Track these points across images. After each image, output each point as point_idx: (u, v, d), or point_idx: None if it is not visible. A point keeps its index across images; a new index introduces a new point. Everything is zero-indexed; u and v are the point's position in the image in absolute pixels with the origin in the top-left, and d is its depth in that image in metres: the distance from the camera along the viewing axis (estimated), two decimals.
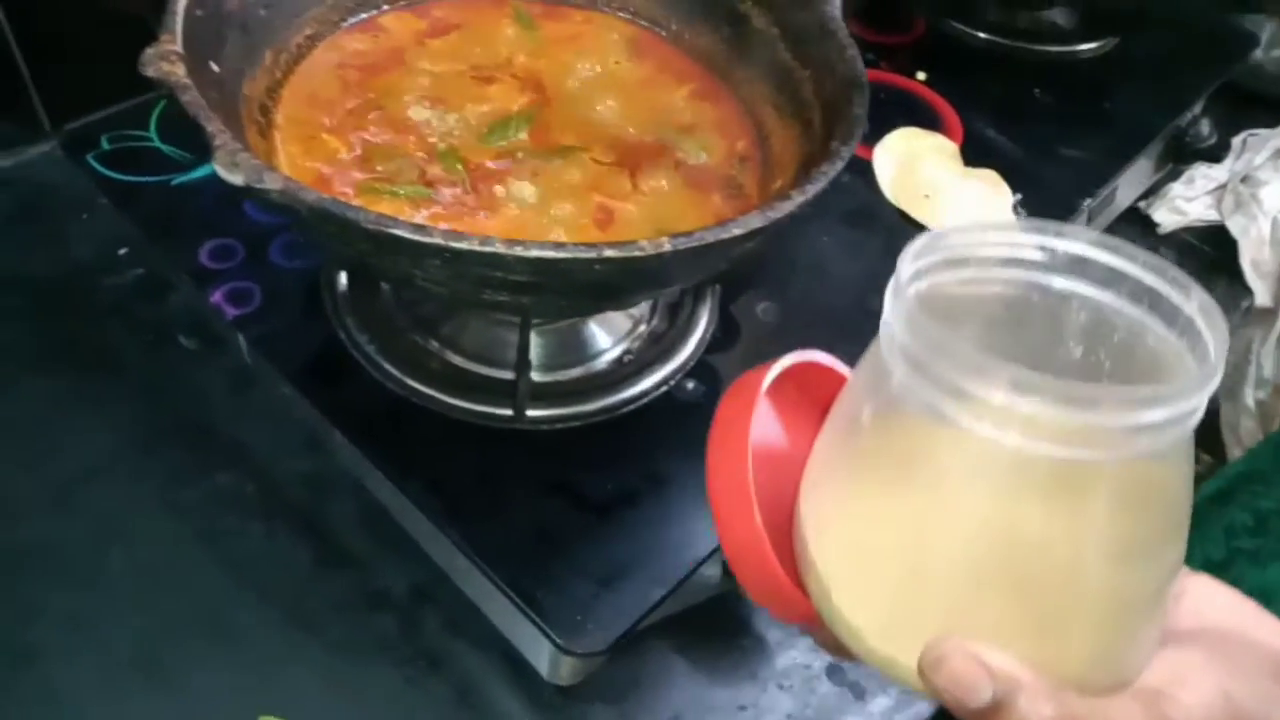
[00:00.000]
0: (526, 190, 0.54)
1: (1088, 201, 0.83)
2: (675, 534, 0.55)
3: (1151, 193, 0.99)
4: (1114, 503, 0.29)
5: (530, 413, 0.58)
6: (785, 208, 0.45)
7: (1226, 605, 0.34)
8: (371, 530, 0.59)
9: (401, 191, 0.52)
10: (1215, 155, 0.96)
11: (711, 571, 0.55)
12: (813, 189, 0.47)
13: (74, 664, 0.52)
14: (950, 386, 0.28)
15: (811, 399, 0.39)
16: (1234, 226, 0.95)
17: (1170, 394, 0.27)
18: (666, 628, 0.55)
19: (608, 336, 0.63)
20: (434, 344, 0.62)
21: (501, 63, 0.62)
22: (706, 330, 0.66)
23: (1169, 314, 0.31)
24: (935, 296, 0.32)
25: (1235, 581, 0.34)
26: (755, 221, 0.44)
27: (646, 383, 0.62)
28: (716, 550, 0.54)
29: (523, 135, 0.58)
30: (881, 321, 0.31)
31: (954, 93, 0.88)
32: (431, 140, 0.56)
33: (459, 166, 0.55)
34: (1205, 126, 0.96)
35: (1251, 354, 1.00)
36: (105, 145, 0.72)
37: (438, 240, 0.40)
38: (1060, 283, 0.33)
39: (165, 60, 0.44)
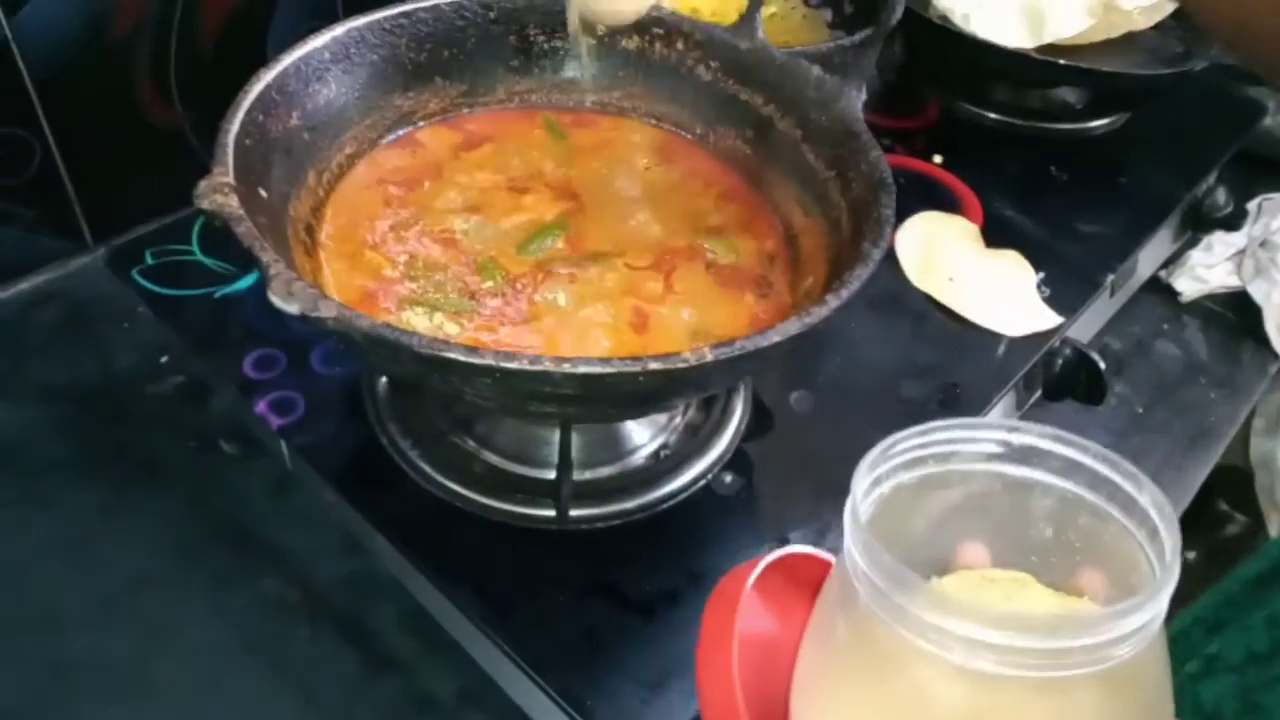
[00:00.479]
0: (564, 297, 0.56)
1: (1110, 277, 0.84)
2: None
3: (1171, 261, 1.00)
4: (1091, 701, 0.30)
5: (572, 512, 0.59)
6: (821, 313, 0.46)
7: None
8: (415, 633, 0.59)
9: (445, 305, 0.53)
10: (1233, 223, 0.98)
11: None
12: (847, 292, 0.48)
13: None
14: (915, 620, 0.29)
15: (799, 583, 0.40)
16: (1256, 292, 0.96)
17: (1133, 608, 0.28)
18: None
19: (644, 432, 0.64)
20: (472, 444, 0.62)
21: (535, 173, 0.64)
22: (741, 421, 0.66)
23: (1126, 504, 0.32)
24: (899, 495, 0.34)
25: None
26: (793, 328, 0.45)
27: (685, 478, 0.62)
28: None
29: (558, 244, 0.59)
30: (844, 543, 0.32)
31: (972, 174, 0.90)
32: (471, 252, 0.58)
33: (499, 277, 0.56)
34: (1221, 195, 0.97)
35: None
36: (149, 260, 0.74)
37: (489, 361, 0.41)
38: (1021, 471, 0.34)
39: (219, 193, 0.46)
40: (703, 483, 0.63)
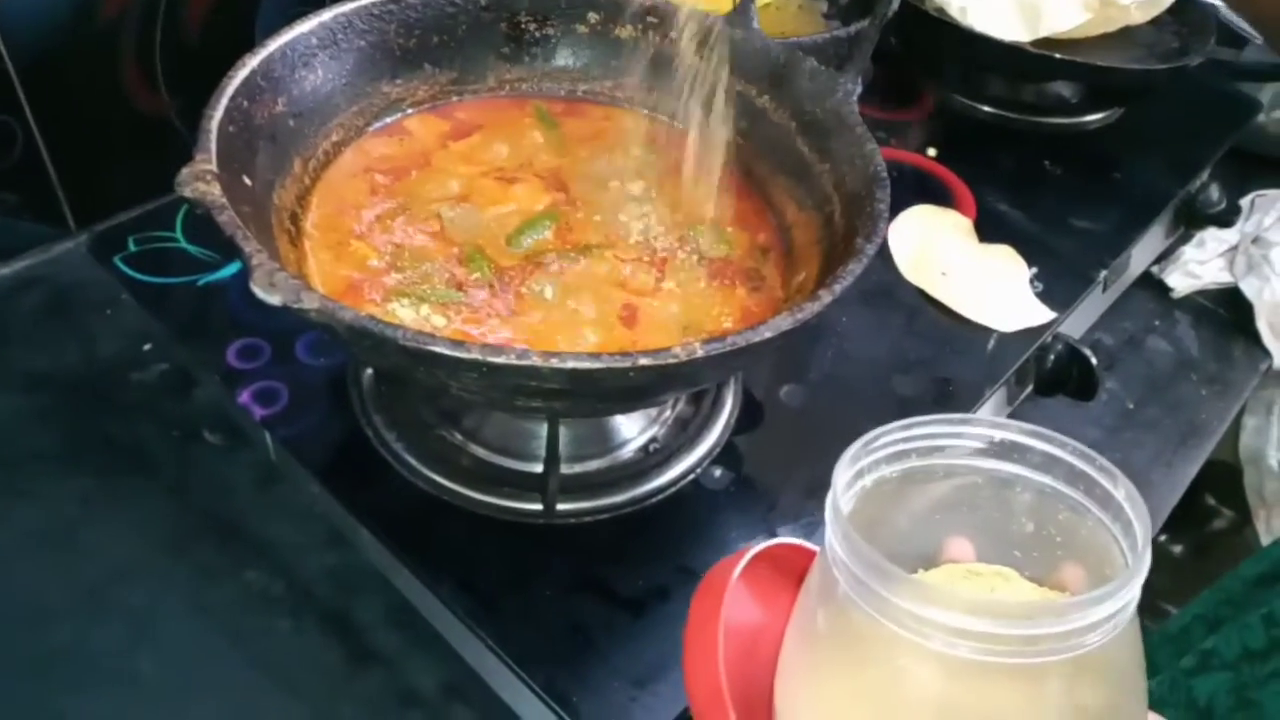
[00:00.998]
0: (553, 290, 0.55)
1: (1103, 273, 0.83)
2: None
3: (1164, 257, 1.00)
4: (1068, 687, 0.30)
5: (559, 506, 0.58)
6: (813, 308, 0.46)
7: None
8: (400, 626, 0.59)
9: (432, 296, 0.53)
10: (1225, 220, 0.97)
11: None
12: (840, 287, 0.47)
13: None
14: (894, 610, 0.30)
15: (785, 574, 0.40)
16: (1248, 289, 0.96)
17: (1104, 596, 0.29)
18: None
19: (633, 425, 0.63)
20: (459, 437, 0.62)
21: (524, 162, 0.63)
22: (731, 415, 0.66)
23: (1102, 498, 0.33)
24: (880, 489, 0.35)
25: (1277, 672, 0.34)
26: (785, 324, 0.45)
27: (673, 471, 0.62)
28: None
29: (548, 235, 0.58)
30: (825, 534, 0.32)
31: (965, 168, 0.89)
32: (458, 243, 0.57)
33: (486, 268, 0.56)
34: (1214, 191, 0.97)
35: (1273, 416, 1.00)
36: (132, 247, 0.73)
37: (475, 355, 0.40)
38: (1001, 466, 0.35)
39: (201, 180, 0.45)
40: (692, 477, 0.62)
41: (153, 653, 0.57)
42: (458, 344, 0.41)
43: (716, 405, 0.66)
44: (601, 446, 0.62)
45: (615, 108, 0.68)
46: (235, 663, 0.57)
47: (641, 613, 0.55)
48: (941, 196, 0.87)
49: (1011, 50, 0.88)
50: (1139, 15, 0.92)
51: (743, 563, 0.38)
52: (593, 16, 0.67)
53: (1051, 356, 0.78)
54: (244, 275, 0.41)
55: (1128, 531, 0.32)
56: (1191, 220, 0.99)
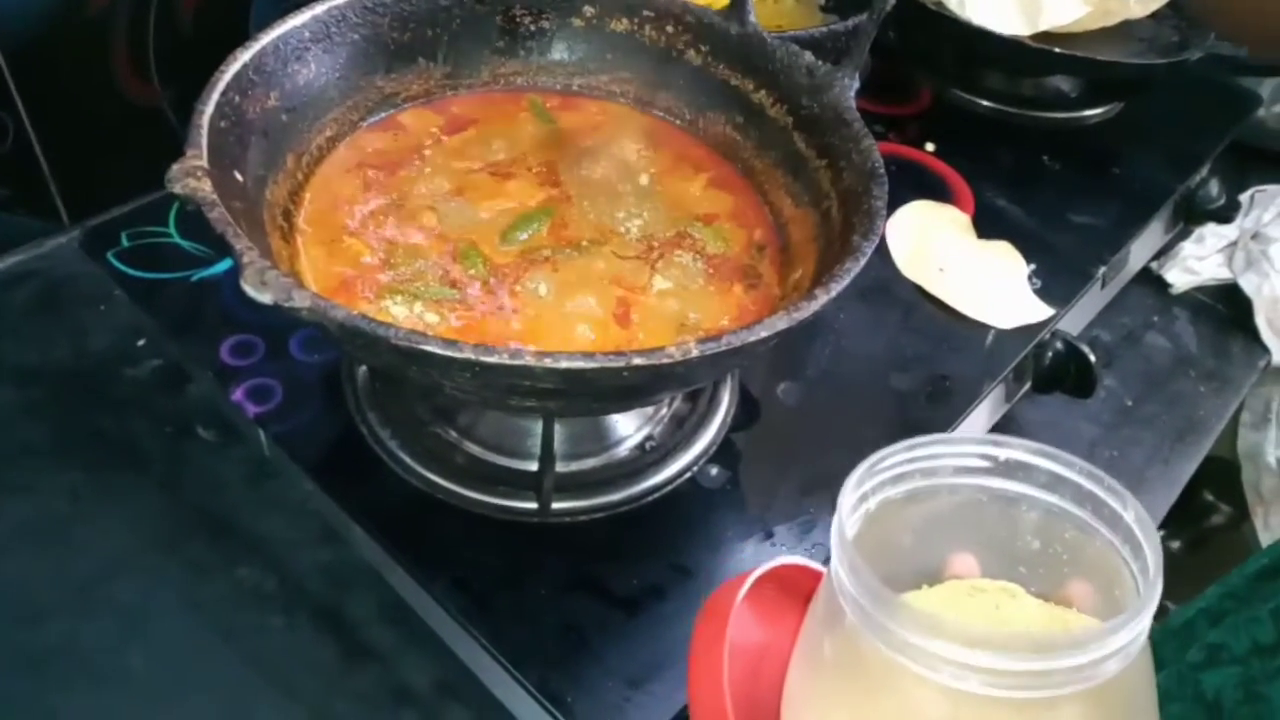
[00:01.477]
0: (547, 287, 0.55)
1: (1102, 269, 0.83)
2: None
3: (1163, 253, 0.99)
4: (1082, 718, 0.30)
5: (555, 505, 0.58)
6: (810, 308, 0.45)
7: None
8: (394, 623, 0.59)
9: (426, 294, 0.52)
10: (1225, 215, 0.97)
11: None
12: (837, 287, 0.47)
13: None
14: (901, 642, 0.29)
15: (790, 593, 0.40)
16: (1247, 285, 0.95)
17: (1117, 627, 0.28)
18: None
19: (629, 423, 0.63)
20: (453, 434, 0.61)
21: (519, 157, 0.63)
22: (728, 412, 0.65)
23: (1111, 519, 0.33)
24: (884, 510, 0.34)
25: None
26: (781, 323, 0.44)
27: (670, 470, 0.61)
28: None
29: (542, 231, 0.58)
30: (831, 562, 0.32)
31: (964, 163, 0.89)
32: (452, 239, 0.57)
33: (480, 265, 0.55)
34: (1214, 187, 0.97)
35: (1271, 413, 0.99)
36: (125, 242, 0.73)
37: (468, 355, 0.40)
38: (1007, 485, 0.35)
39: (191, 176, 0.44)
40: (688, 475, 0.62)
41: (144, 649, 0.56)
42: (450, 343, 0.40)
43: (713, 402, 0.65)
44: (597, 444, 0.62)
45: (611, 102, 0.67)
46: (228, 660, 0.57)
47: (636, 612, 0.55)
48: (939, 192, 0.86)
49: (1010, 44, 0.87)
50: (1138, 9, 0.92)
51: (746, 585, 0.38)
52: (588, 10, 0.66)
53: (1050, 353, 0.77)
54: (236, 272, 0.41)
55: (1138, 554, 0.32)
56: (1191, 216, 0.99)
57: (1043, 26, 0.87)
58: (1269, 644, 0.54)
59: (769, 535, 0.60)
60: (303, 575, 0.60)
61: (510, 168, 0.62)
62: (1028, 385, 0.80)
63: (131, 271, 0.71)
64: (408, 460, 0.59)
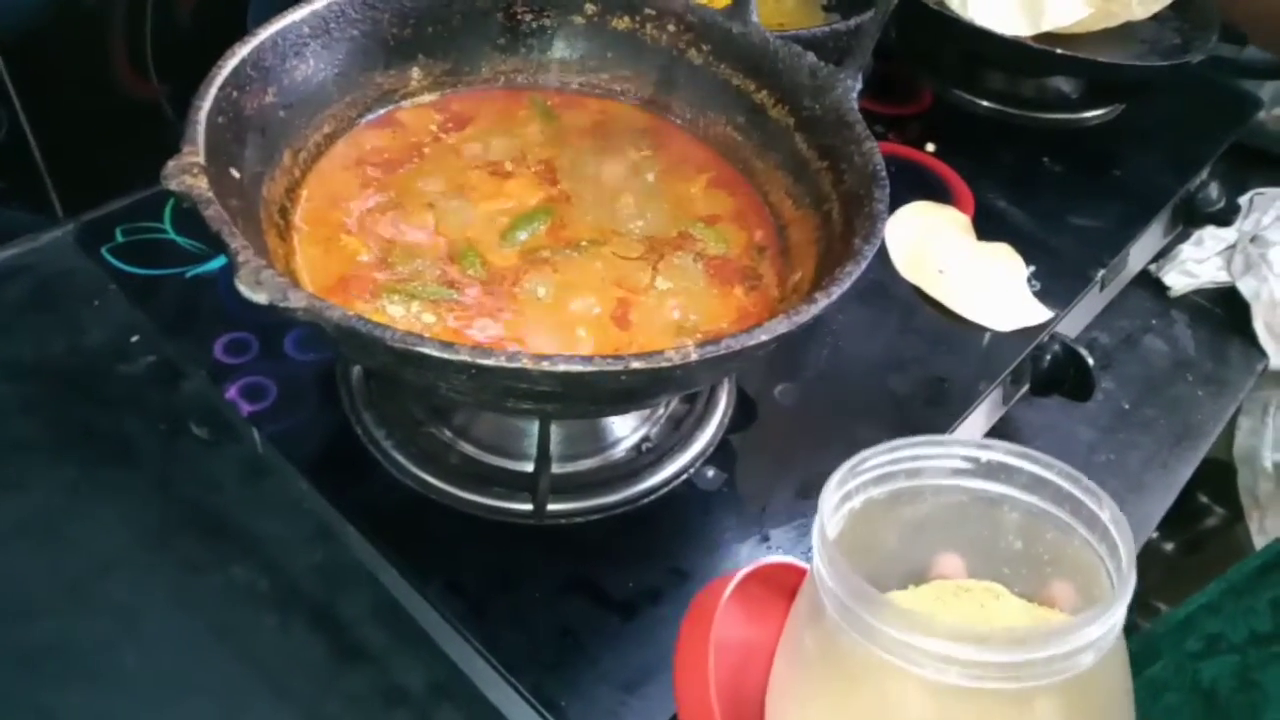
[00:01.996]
0: (546, 288, 0.54)
1: (1101, 272, 0.83)
2: None
3: (1162, 256, 0.99)
4: (1058, 710, 0.31)
5: (550, 506, 0.57)
6: (811, 311, 0.45)
7: None
8: (387, 624, 0.58)
9: (423, 294, 0.52)
10: (1225, 218, 0.97)
11: None
12: (837, 291, 0.46)
13: None
14: (882, 636, 0.30)
15: (776, 591, 0.40)
16: (1245, 288, 0.95)
17: (1090, 620, 0.29)
18: None
19: (626, 424, 0.63)
20: (449, 434, 0.61)
21: (519, 156, 0.62)
22: (725, 414, 0.65)
23: (1089, 519, 0.34)
24: (869, 510, 0.35)
25: None
26: (781, 327, 0.44)
27: (667, 471, 0.61)
28: None
29: (541, 231, 0.57)
30: (813, 560, 0.33)
31: (964, 163, 0.89)
32: (451, 238, 0.56)
33: (479, 265, 0.55)
34: (1214, 190, 0.96)
35: (1268, 417, 0.99)
36: (120, 237, 0.72)
37: (465, 357, 0.40)
38: (989, 487, 0.36)
39: (188, 173, 0.44)
40: (685, 477, 0.62)
41: (137, 648, 0.56)
42: (446, 345, 0.40)
43: (710, 404, 0.65)
44: (594, 445, 0.62)
45: (612, 101, 0.67)
46: (220, 658, 0.56)
47: (632, 616, 0.55)
48: (939, 192, 0.86)
49: (1012, 45, 0.87)
50: (1141, 11, 0.91)
51: (730, 586, 0.39)
52: (590, 7, 0.65)
53: (1048, 356, 0.77)
54: (231, 270, 0.40)
55: (1113, 553, 0.32)
56: (1190, 218, 0.98)
57: (1045, 27, 0.87)
58: (1266, 633, 0.55)
59: (765, 538, 0.59)
60: (296, 575, 0.60)
61: (510, 166, 0.61)
62: (1026, 388, 0.79)
63: (126, 267, 0.71)
64: (402, 460, 0.59)
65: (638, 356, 0.41)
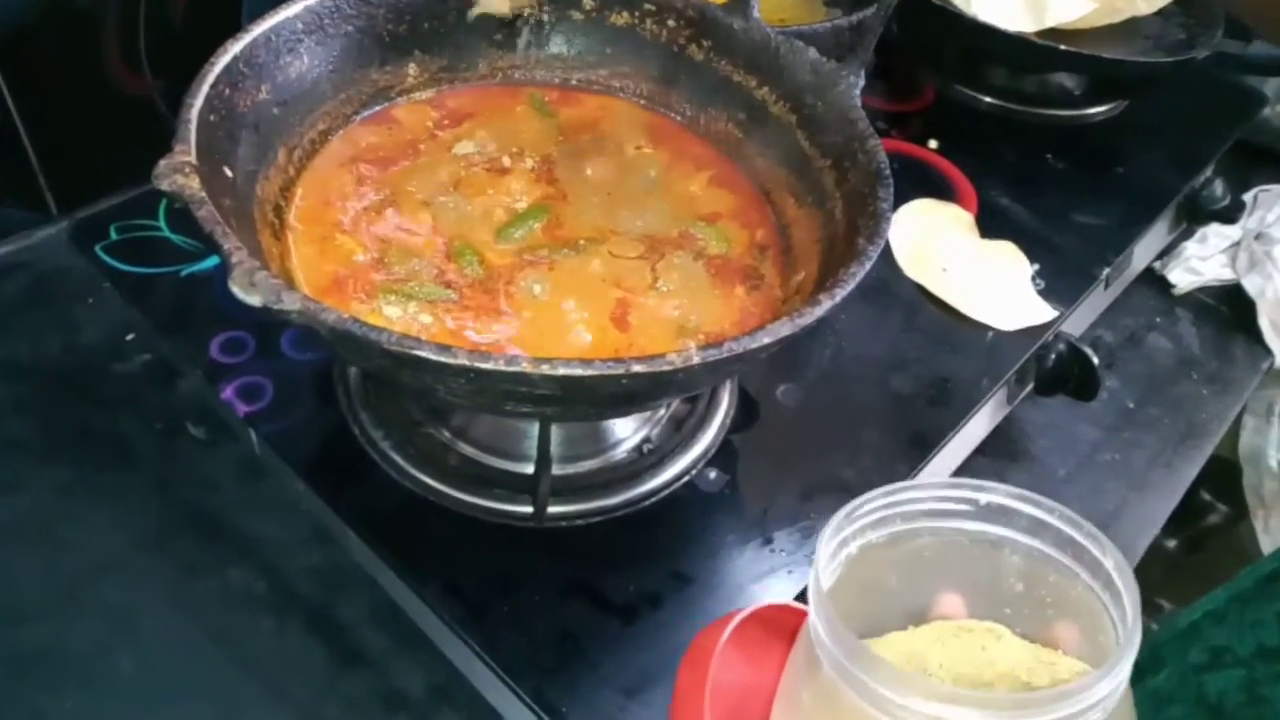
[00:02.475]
0: (543, 287, 0.53)
1: (1106, 270, 0.82)
2: None
3: (1166, 253, 0.99)
4: None
5: (550, 508, 0.57)
6: (815, 313, 0.44)
7: None
8: (385, 627, 0.58)
9: (420, 293, 0.51)
10: (1229, 215, 0.96)
11: None
12: (841, 292, 0.45)
13: None
14: (877, 696, 0.29)
15: (774, 632, 0.40)
16: (1250, 286, 0.95)
17: (1096, 680, 0.28)
18: None
19: (627, 425, 0.62)
20: (447, 435, 0.60)
21: (516, 153, 0.61)
22: (727, 415, 0.64)
23: (1092, 565, 0.33)
24: (867, 554, 0.34)
25: None
26: (784, 329, 0.43)
27: (668, 473, 0.60)
28: None
29: (539, 229, 0.57)
30: (809, 613, 0.32)
31: (967, 160, 0.88)
32: (447, 237, 0.55)
33: (475, 264, 0.54)
34: (1219, 187, 0.96)
35: (1274, 415, 0.99)
36: (114, 235, 0.71)
37: (462, 361, 0.39)
38: (988, 529, 0.35)
39: (180, 173, 0.43)
40: (686, 479, 0.61)
41: (133, 651, 0.55)
42: (444, 349, 0.39)
43: (712, 405, 0.64)
44: (594, 447, 0.61)
45: (611, 97, 0.66)
46: (217, 662, 0.56)
47: (633, 619, 0.54)
48: (943, 189, 0.85)
49: (1016, 40, 0.86)
50: (1145, 6, 0.91)
51: (729, 629, 0.38)
52: (588, 3, 0.65)
53: (1053, 355, 0.76)
54: (224, 271, 0.40)
55: (1117, 601, 0.32)
56: (1195, 216, 0.98)
57: (1048, 23, 0.87)
58: (1274, 647, 0.54)
59: (768, 541, 0.59)
60: (293, 577, 0.59)
61: (507, 164, 0.61)
62: (1030, 387, 0.79)
63: (120, 265, 0.70)
64: (400, 461, 0.58)
65: (639, 360, 0.41)
